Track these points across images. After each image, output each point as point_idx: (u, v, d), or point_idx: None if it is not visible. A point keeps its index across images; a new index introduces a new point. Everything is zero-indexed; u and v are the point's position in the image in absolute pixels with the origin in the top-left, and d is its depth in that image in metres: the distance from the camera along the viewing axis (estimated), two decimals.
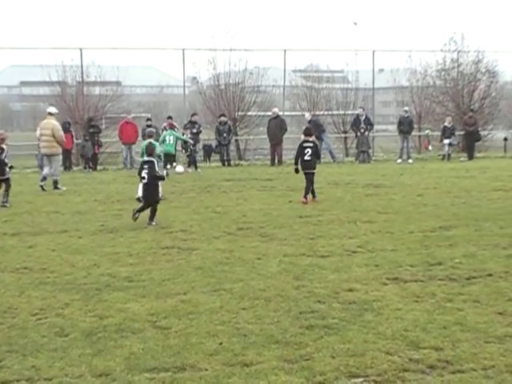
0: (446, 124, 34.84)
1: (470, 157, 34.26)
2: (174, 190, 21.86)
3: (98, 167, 32.65)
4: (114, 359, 7.22)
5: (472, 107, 39.01)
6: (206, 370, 6.93)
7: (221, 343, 7.64)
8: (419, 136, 39.03)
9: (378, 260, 11.62)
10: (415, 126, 36.84)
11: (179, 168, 21.83)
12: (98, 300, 9.47)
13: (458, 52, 40.51)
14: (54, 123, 23.76)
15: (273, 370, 6.89)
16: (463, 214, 16.34)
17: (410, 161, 33.29)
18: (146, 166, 15.67)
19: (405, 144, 34.22)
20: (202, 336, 7.89)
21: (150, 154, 15.95)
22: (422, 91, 41.11)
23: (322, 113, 38.66)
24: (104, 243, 13.50)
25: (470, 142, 35.17)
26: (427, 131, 37.91)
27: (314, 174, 19.08)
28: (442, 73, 41.09)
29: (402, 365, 6.98)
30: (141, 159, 17.71)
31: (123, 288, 10.08)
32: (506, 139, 38.62)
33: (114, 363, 7.11)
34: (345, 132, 38.41)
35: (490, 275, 10.54)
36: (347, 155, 37.44)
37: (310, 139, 19.50)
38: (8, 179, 19.24)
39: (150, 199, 15.53)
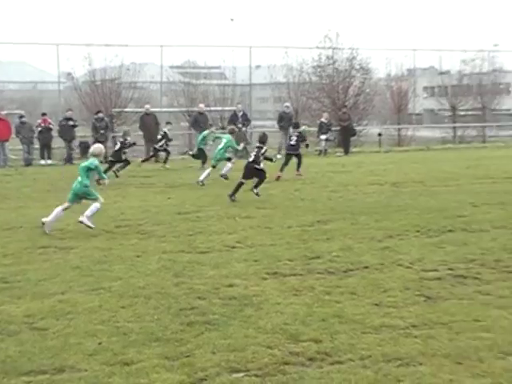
0: (322, 120, 35.31)
1: (346, 152, 34.83)
2: (50, 187, 21.41)
3: None
4: None
5: (346, 103, 39.72)
6: (86, 370, 6.84)
7: (100, 343, 7.55)
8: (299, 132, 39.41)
9: (258, 255, 11.70)
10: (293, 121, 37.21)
11: None
12: None
13: (333, 49, 41.08)
14: None
15: (154, 367, 6.85)
16: (340, 208, 16.62)
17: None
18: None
19: (284, 140, 34.50)
20: (81, 336, 7.78)
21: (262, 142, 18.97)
22: (298, 87, 41.46)
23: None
24: None
25: (346, 138, 35.77)
26: (304, 127, 38.37)
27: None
28: (318, 69, 41.56)
29: (282, 358, 7.06)
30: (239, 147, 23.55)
31: None
32: (380, 134, 39.51)
33: None
34: (223, 128, 38.43)
35: (367, 267, 10.78)
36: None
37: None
38: None
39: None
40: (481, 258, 11.24)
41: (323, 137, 34.69)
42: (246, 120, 34.46)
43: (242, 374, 6.73)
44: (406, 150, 37.06)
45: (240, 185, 18.29)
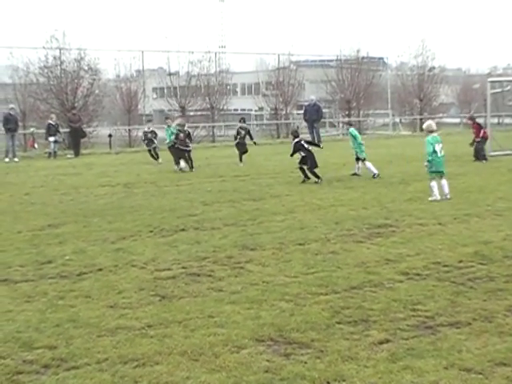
0: (50, 121, 34.67)
1: (76, 153, 34.47)
2: None
3: None
4: None
5: (75, 104, 39.30)
6: None
7: None
8: (24, 134, 38.46)
9: None
10: (20, 123, 36.25)
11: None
12: None
13: (60, 49, 40.51)
14: None
15: None
16: (72, 210, 16.41)
17: (16, 159, 32.69)
18: None
19: (10, 143, 33.55)
20: None
21: None
22: (25, 88, 40.55)
23: None
24: None
25: (76, 139, 35.40)
26: (32, 129, 37.50)
27: None
28: (45, 70, 40.85)
29: (15, 367, 6.85)
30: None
31: None
32: (110, 135, 39.45)
33: None
34: None
35: (101, 270, 10.71)
36: None
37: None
38: None
39: None
40: (213, 255, 11.52)
41: (52, 139, 34.09)
42: None
43: None
44: (137, 150, 37.19)
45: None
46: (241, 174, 23.29)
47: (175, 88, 46.15)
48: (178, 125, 26.23)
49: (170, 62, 45.96)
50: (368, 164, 21.91)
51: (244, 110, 57.86)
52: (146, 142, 29.51)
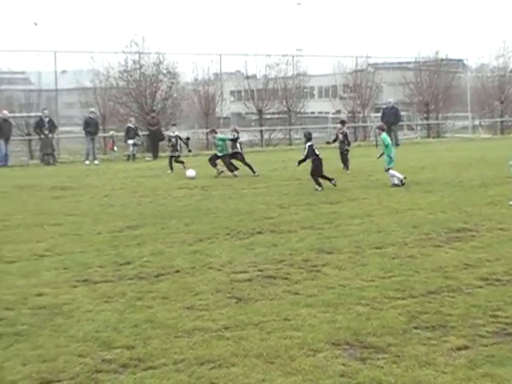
0: (129, 125, 35.13)
1: (155, 156, 34.85)
2: None
3: None
4: None
5: (154, 108, 39.73)
6: None
7: None
8: (104, 137, 39.05)
9: (67, 263, 11.49)
10: (100, 127, 36.83)
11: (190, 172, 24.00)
12: None
13: (140, 54, 41.00)
14: None
15: None
16: (150, 212, 16.60)
17: (96, 162, 33.22)
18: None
19: (91, 145, 34.14)
20: None
21: None
22: (105, 92, 41.13)
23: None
24: None
25: (154, 142, 35.80)
26: (112, 132, 38.05)
27: None
28: (125, 74, 41.35)
29: (94, 366, 6.96)
30: None
31: None
32: (188, 138, 39.57)
33: None
34: (28, 134, 37.47)
35: (178, 271, 10.80)
36: (32, 158, 36.57)
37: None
38: None
39: None
40: (289, 258, 11.52)
41: (131, 141, 34.53)
42: (53, 126, 33.75)
43: None
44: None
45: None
46: None
47: (252, 91, 46.26)
48: (234, 131, 26.33)
49: (248, 65, 46.16)
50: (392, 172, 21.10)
51: (321, 112, 57.63)
52: (170, 147, 28.23)
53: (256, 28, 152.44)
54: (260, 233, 13.83)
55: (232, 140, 25.69)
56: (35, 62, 42.09)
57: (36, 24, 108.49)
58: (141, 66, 41.17)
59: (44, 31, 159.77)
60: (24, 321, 8.42)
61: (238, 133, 26.14)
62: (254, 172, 24.65)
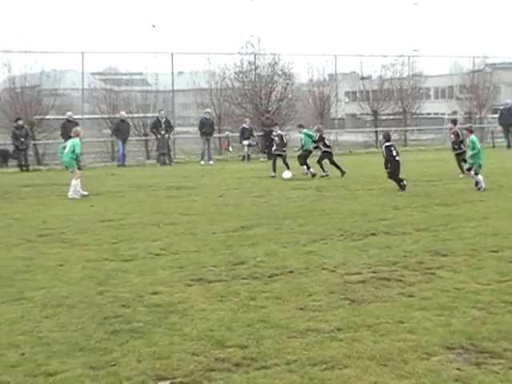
0: (244, 125, 35.39)
1: (269, 157, 34.96)
2: None
3: None
4: None
5: (269, 109, 39.89)
6: (8, 382, 6.71)
7: (23, 354, 7.40)
8: (219, 138, 39.47)
9: (182, 261, 11.65)
10: (215, 127, 37.22)
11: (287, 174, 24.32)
12: None
13: (255, 55, 41.23)
14: None
15: (78, 377, 6.76)
16: (264, 213, 16.67)
17: (211, 162, 33.59)
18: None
19: (206, 146, 34.53)
20: (3, 347, 7.62)
21: None
22: (221, 93, 41.49)
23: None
24: None
25: (269, 143, 35.94)
26: (227, 133, 38.42)
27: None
28: (240, 75, 41.62)
29: (208, 364, 7.03)
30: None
31: None
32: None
33: None
34: (145, 135, 38.23)
35: (291, 272, 10.81)
36: (149, 158, 37.30)
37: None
38: None
39: None
40: (403, 260, 11.39)
41: (246, 142, 34.79)
42: (169, 126, 34.31)
43: (167, 382, 6.68)
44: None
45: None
46: (433, 179, 22.86)
47: (367, 92, 45.93)
48: (317, 130, 26.19)
49: (363, 65, 45.85)
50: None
51: (437, 114, 56.78)
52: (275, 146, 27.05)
53: (372, 28, 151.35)
54: (374, 234, 13.72)
55: (314, 142, 25.79)
56: (152, 64, 43.03)
57: (154, 26, 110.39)
58: (256, 67, 41.37)
59: (161, 33, 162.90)
60: (140, 318, 8.59)
61: (322, 132, 26.36)
62: (342, 172, 24.77)
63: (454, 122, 26.62)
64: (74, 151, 20.99)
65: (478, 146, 20.65)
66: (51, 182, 24.35)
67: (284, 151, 26.03)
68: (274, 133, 28.01)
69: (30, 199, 20.38)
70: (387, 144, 20.82)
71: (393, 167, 20.51)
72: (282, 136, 26.85)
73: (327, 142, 26.21)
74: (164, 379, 6.73)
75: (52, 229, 15.09)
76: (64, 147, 21.49)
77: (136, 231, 14.68)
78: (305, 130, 26.51)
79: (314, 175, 24.72)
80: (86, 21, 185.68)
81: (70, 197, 20.29)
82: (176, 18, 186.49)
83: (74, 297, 9.63)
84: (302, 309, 8.88)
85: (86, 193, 20.77)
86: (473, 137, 21.05)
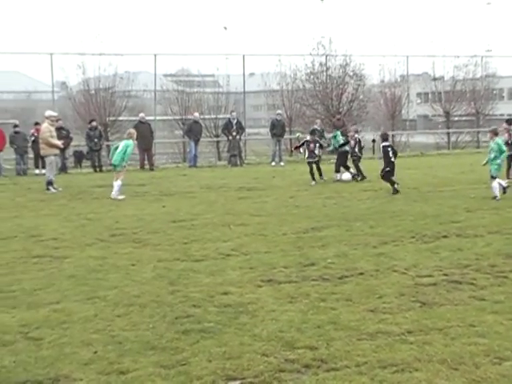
0: (315, 126, 35.27)
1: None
2: (44, 197, 21.41)
3: None
4: None
5: (340, 110, 39.77)
6: (81, 379, 6.82)
7: (96, 352, 7.52)
8: (290, 139, 39.48)
9: (253, 262, 11.70)
10: (286, 128, 37.24)
11: (346, 175, 24.60)
12: None
13: (326, 56, 41.15)
14: (43, 126, 23.94)
15: (149, 376, 6.84)
16: (334, 214, 16.63)
17: (282, 163, 33.62)
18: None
19: (277, 147, 34.56)
20: (76, 345, 7.75)
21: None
22: (292, 94, 41.55)
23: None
24: None
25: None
26: (298, 134, 38.35)
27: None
28: (311, 76, 41.61)
29: (278, 365, 7.04)
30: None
31: None
32: (374, 141, 39.42)
33: None
34: (217, 136, 38.51)
35: (362, 274, 10.77)
36: (220, 159, 37.54)
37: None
38: None
39: None
40: (475, 263, 11.25)
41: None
42: (240, 128, 34.46)
43: (237, 382, 6.72)
44: (400, 155, 36.92)
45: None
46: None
47: (439, 93, 45.47)
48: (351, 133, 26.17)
49: (435, 66, 45.40)
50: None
51: (510, 115, 55.96)
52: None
53: (444, 28, 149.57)
54: (445, 237, 13.58)
55: (342, 145, 26.08)
56: (224, 65, 43.29)
57: (226, 28, 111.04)
58: (327, 69, 41.33)
59: (233, 35, 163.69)
60: (210, 318, 8.65)
61: (357, 133, 26.69)
62: (363, 177, 24.84)
63: (510, 122, 25.82)
64: (125, 152, 21.23)
65: (504, 148, 19.65)
66: (123, 182, 24.65)
67: (355, 155, 25.69)
68: (350, 135, 27.49)
69: (103, 199, 20.69)
70: (385, 144, 20.68)
71: (391, 168, 20.63)
72: (359, 140, 26.41)
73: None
74: (234, 379, 6.77)
75: (124, 229, 15.31)
76: (116, 148, 21.75)
77: (207, 232, 14.79)
78: (337, 132, 27.75)
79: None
80: (159, 23, 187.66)
81: (112, 197, 20.58)
82: (247, 19, 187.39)
83: (146, 296, 9.75)
84: (372, 311, 8.84)
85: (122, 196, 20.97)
86: (498, 139, 19.81)
